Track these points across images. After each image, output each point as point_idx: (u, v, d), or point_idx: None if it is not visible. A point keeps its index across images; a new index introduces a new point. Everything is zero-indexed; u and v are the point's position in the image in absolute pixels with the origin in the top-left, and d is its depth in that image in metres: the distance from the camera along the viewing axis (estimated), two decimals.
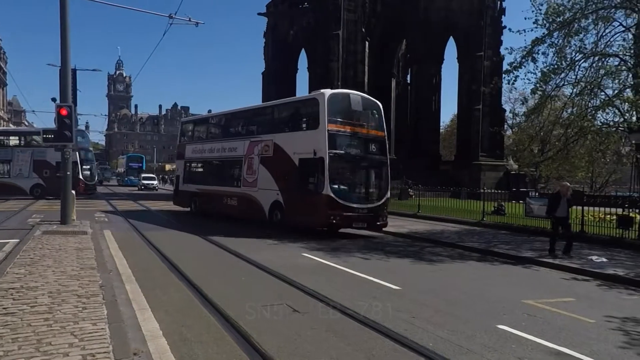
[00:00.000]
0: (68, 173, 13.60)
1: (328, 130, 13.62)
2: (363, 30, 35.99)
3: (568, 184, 12.11)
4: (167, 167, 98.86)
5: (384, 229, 15.22)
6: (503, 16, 35.68)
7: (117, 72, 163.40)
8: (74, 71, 14.41)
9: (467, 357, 4.94)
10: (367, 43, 36.33)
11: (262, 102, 47.28)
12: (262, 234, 14.46)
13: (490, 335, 5.65)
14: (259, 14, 45.48)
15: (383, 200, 14.84)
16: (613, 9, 12.96)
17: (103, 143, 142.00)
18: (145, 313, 5.91)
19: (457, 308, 6.86)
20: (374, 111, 15.29)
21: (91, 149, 33.78)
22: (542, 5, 13.26)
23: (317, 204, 13.63)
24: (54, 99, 27.92)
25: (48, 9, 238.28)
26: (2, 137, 32.92)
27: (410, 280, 8.73)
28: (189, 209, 21.14)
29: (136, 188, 47.22)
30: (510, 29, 15.11)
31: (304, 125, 15.15)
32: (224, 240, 12.94)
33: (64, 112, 13.11)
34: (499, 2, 35.66)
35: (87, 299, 5.90)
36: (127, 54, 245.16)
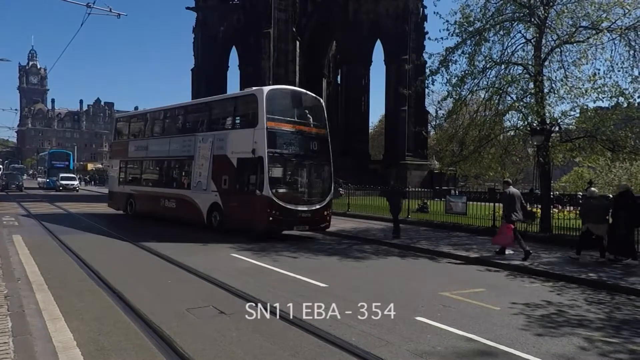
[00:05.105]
0: None
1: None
2: (294, 29, 36.14)
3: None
4: (90, 166, 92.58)
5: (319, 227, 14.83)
6: (425, 22, 37.50)
7: (30, 63, 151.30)
8: None
9: (386, 349, 5.19)
10: (298, 42, 36.51)
11: (192, 99, 45.52)
12: None
13: (409, 327, 5.98)
14: (188, 8, 44.08)
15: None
16: (515, 22, 14.18)
17: (15, 140, 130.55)
18: (57, 323, 5.56)
19: (379, 302, 7.15)
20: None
21: (314, 131, 16.07)
22: (455, 13, 14.21)
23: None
24: None
25: None
26: (185, 113, 18.38)
27: (336, 278, 8.95)
28: None
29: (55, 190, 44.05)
30: (429, 37, 15.94)
31: None
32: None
33: None
34: (421, 9, 37.45)
35: None
36: (42, 44, 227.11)
